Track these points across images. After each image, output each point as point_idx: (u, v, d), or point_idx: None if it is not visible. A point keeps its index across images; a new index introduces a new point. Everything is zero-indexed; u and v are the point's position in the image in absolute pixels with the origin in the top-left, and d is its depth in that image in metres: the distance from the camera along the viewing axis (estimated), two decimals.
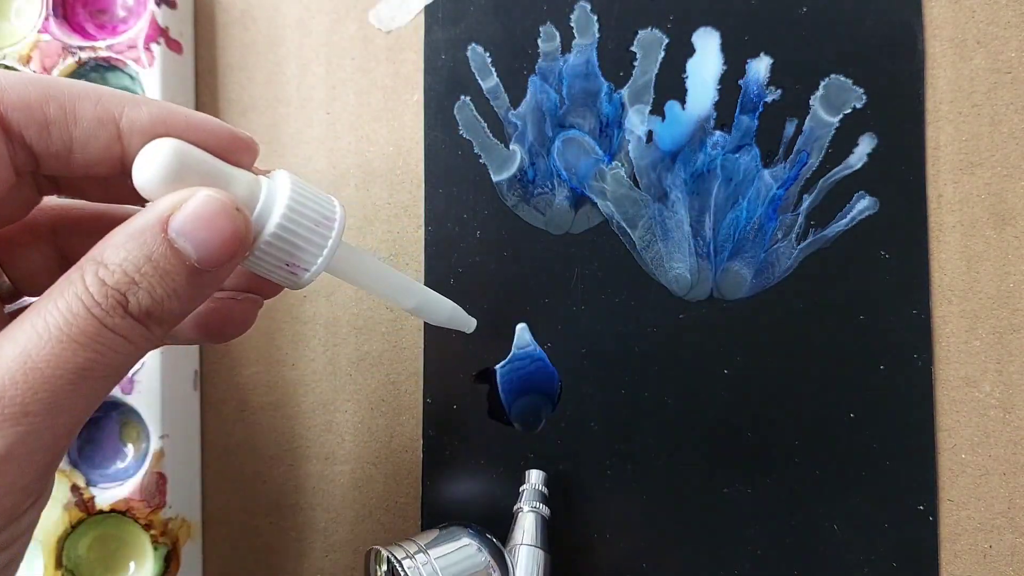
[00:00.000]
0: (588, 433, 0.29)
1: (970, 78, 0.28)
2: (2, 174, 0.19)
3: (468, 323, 0.28)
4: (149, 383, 0.28)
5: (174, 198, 0.18)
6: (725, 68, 0.29)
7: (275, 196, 0.20)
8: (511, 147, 0.30)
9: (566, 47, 0.30)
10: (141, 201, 0.20)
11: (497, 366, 0.30)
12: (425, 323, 0.30)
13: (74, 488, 0.28)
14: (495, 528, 0.27)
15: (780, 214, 0.29)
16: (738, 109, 0.29)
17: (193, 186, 0.18)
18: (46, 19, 0.29)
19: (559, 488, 0.29)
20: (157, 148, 0.19)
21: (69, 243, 0.19)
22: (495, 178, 0.30)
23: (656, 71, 0.29)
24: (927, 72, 0.29)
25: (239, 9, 0.32)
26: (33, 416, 0.16)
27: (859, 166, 0.28)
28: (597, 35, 0.30)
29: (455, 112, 0.30)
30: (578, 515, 0.29)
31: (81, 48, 0.29)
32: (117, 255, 0.17)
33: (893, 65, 0.28)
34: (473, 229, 0.30)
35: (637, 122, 0.29)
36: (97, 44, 0.29)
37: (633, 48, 0.29)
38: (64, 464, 0.29)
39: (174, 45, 0.30)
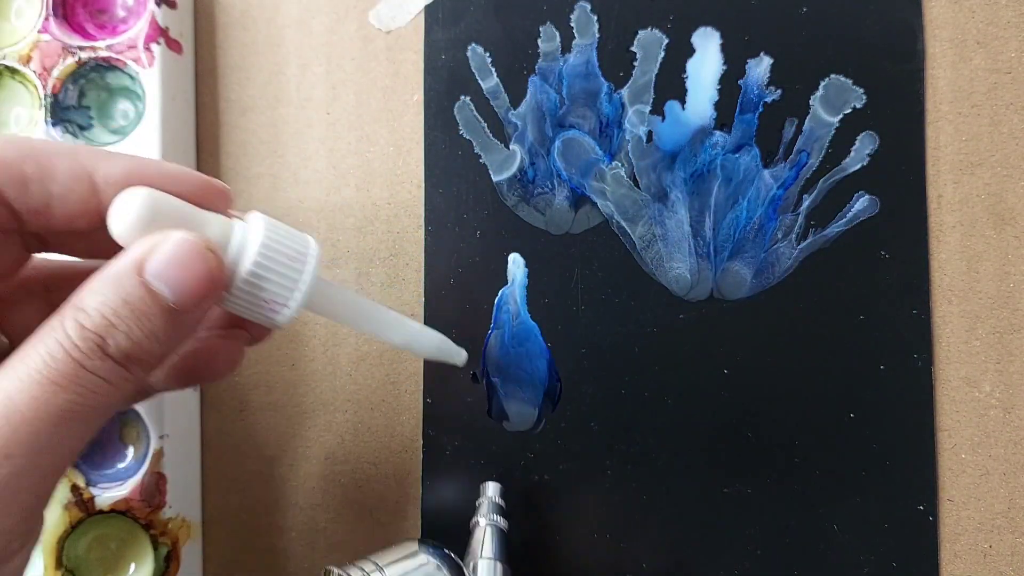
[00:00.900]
0: (588, 433, 0.29)
1: (970, 78, 0.28)
2: None
3: (458, 355, 0.27)
4: None
5: (148, 242, 0.19)
6: (725, 68, 0.29)
7: (248, 236, 0.20)
8: (511, 147, 0.30)
9: (566, 47, 0.30)
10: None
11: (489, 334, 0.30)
12: (425, 322, 0.30)
13: (74, 488, 0.28)
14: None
15: (780, 214, 0.29)
16: (738, 109, 0.29)
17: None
18: (46, 19, 0.29)
19: (559, 488, 0.29)
20: (130, 196, 0.19)
21: (62, 299, 0.19)
22: (495, 178, 0.30)
23: (656, 71, 0.29)
24: (927, 72, 0.29)
25: (239, 9, 0.32)
26: (15, 458, 0.17)
27: (859, 166, 0.28)
28: (597, 35, 0.30)
29: (455, 112, 0.30)
30: (578, 515, 0.29)
31: (81, 48, 0.29)
32: (95, 299, 0.18)
33: (893, 65, 0.28)
34: (473, 229, 0.30)
35: (637, 122, 0.29)
36: (97, 44, 0.29)
37: (633, 48, 0.29)
38: None
39: (174, 45, 0.30)
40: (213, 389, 0.31)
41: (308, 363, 0.31)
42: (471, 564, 0.26)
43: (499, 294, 0.30)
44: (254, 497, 0.31)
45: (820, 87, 0.29)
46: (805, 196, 0.29)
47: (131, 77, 0.30)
